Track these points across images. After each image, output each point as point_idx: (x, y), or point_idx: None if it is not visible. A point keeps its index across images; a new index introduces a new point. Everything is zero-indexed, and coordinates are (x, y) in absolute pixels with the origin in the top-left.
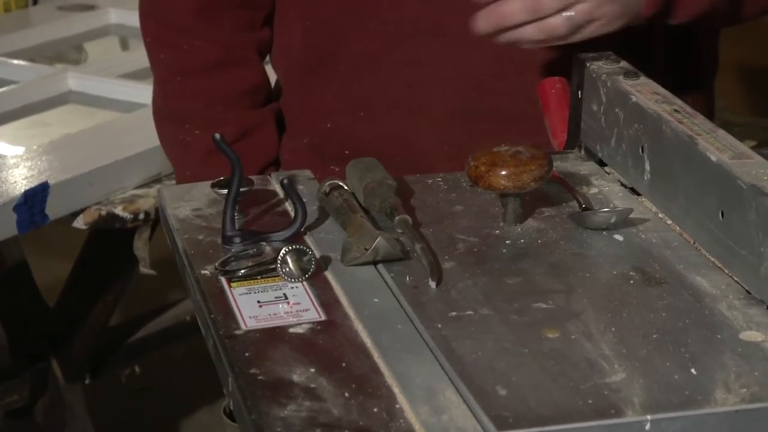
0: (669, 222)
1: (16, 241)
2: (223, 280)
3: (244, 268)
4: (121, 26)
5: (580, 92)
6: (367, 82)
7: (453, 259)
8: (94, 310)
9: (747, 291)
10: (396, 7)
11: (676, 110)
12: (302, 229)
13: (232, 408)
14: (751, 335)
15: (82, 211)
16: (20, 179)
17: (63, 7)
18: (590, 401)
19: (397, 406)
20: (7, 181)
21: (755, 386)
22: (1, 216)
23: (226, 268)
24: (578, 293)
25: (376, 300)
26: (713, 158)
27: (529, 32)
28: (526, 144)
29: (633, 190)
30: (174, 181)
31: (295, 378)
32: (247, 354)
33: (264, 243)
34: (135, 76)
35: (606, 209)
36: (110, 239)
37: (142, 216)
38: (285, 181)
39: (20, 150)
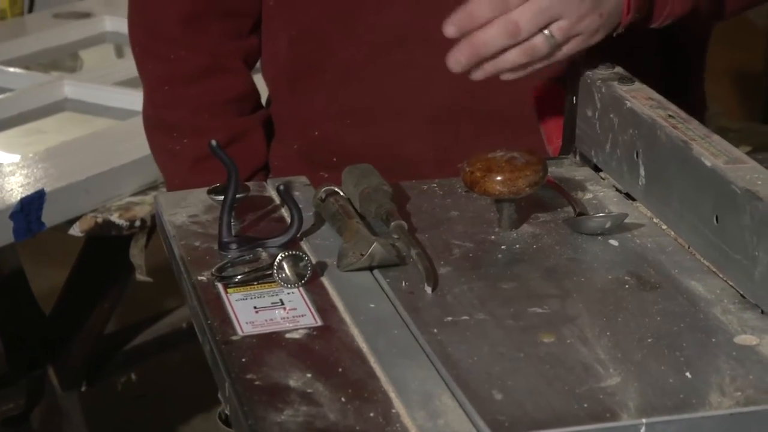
0: (664, 227)
1: (12, 248)
2: (220, 286)
3: (240, 274)
4: (117, 34)
5: (574, 98)
6: (352, 89)
7: (449, 264)
8: (91, 317)
9: (741, 295)
10: (379, 14)
11: (670, 115)
12: (298, 235)
13: (227, 413)
14: (745, 339)
15: (78, 218)
16: (16, 187)
17: (58, 15)
18: (586, 405)
19: (394, 410)
20: (3, 188)
21: (750, 389)
22: None
23: (223, 274)
24: (573, 298)
25: (372, 305)
26: (708, 163)
27: (512, 56)
28: (521, 150)
29: (628, 196)
30: None
31: (292, 383)
32: (243, 359)
33: (260, 249)
34: (130, 83)
35: (601, 214)
36: (106, 246)
37: (138, 223)
38: (281, 187)
39: (16, 158)
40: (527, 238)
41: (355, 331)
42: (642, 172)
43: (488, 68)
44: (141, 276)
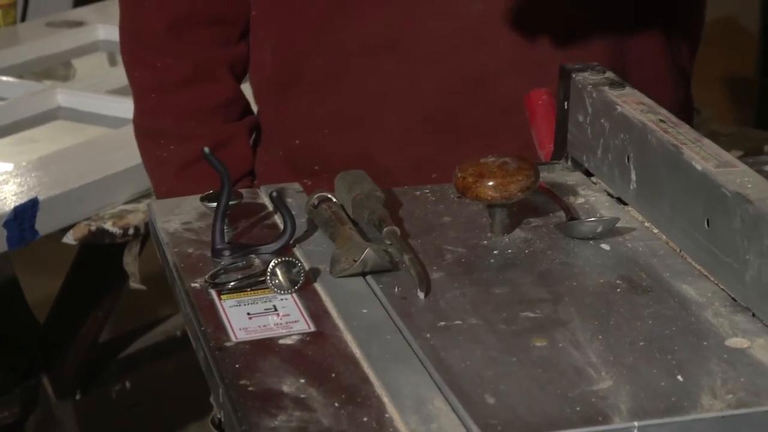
0: (655, 231)
1: (6, 257)
2: (213, 292)
3: (233, 281)
4: (109, 42)
5: (566, 103)
6: (329, 99)
7: (441, 269)
8: (85, 325)
9: (733, 298)
10: (353, 25)
11: (661, 120)
12: (291, 242)
13: (220, 418)
14: (736, 342)
15: (71, 226)
16: (10, 195)
17: (51, 24)
18: (578, 408)
19: (387, 415)
20: None
21: (741, 392)
22: None
23: (216, 280)
24: (565, 302)
25: (365, 311)
26: (698, 167)
27: None
28: (513, 155)
29: (619, 200)
30: None
31: (285, 389)
32: (237, 365)
33: (253, 255)
34: (123, 91)
35: (593, 219)
36: (100, 254)
37: (131, 231)
38: (274, 194)
39: (9, 166)
40: (519, 243)
41: (348, 337)
42: (633, 176)
43: None
44: (135, 284)
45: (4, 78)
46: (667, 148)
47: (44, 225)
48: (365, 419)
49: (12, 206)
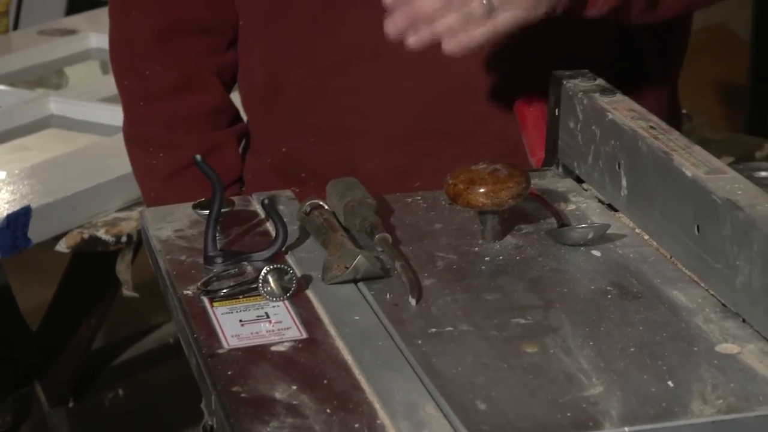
0: (646, 237)
1: None
2: (206, 299)
3: (225, 288)
4: (102, 50)
5: (557, 110)
6: (313, 108)
7: (433, 276)
8: (77, 333)
9: (723, 304)
10: (338, 35)
11: (651, 126)
12: (283, 249)
13: (212, 425)
14: (727, 347)
15: (64, 234)
16: (2, 203)
17: (44, 32)
18: (569, 414)
19: (378, 421)
20: None
21: (731, 397)
22: None
23: (208, 288)
24: (556, 308)
25: (356, 317)
26: (688, 174)
27: (447, 20)
28: (504, 162)
29: (610, 207)
30: None
31: (278, 395)
32: (229, 372)
33: (245, 263)
34: (116, 99)
35: (583, 225)
36: (93, 262)
37: (124, 239)
38: (266, 201)
39: (2, 174)
40: (510, 250)
41: (340, 344)
42: (624, 183)
43: (424, 33)
44: (127, 291)
45: None
46: (658, 155)
47: (37, 233)
48: (357, 425)
49: (5, 214)
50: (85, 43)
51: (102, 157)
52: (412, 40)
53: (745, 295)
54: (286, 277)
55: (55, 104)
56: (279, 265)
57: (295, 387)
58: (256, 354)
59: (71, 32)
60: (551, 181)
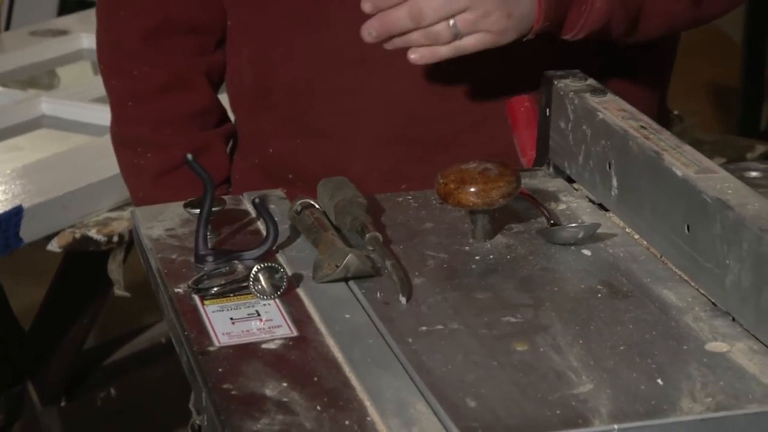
0: (636, 236)
1: None
2: (197, 298)
3: (216, 286)
4: (93, 51)
5: (548, 110)
6: (300, 110)
7: (423, 275)
8: (69, 333)
9: (712, 303)
10: (326, 38)
11: (642, 126)
12: (274, 248)
13: (199, 424)
14: (716, 346)
15: (56, 234)
16: None
17: (35, 33)
18: (558, 412)
19: (369, 418)
20: None
21: (720, 395)
22: None
23: (199, 286)
24: (546, 307)
25: (347, 316)
26: (679, 173)
27: (415, 37)
28: (495, 161)
29: (601, 206)
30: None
31: (268, 392)
32: (220, 370)
33: (236, 261)
34: (107, 100)
35: (574, 225)
36: (84, 262)
37: (116, 238)
38: (257, 200)
39: None
40: (501, 249)
41: (330, 341)
42: (614, 182)
43: (397, 42)
44: (119, 291)
45: None
46: (648, 155)
47: (29, 232)
48: (347, 422)
49: None
50: (76, 44)
51: (93, 157)
52: (387, 46)
53: (734, 294)
54: (277, 276)
55: (47, 104)
56: (270, 264)
57: (285, 384)
58: (247, 352)
59: (63, 33)
60: (542, 180)
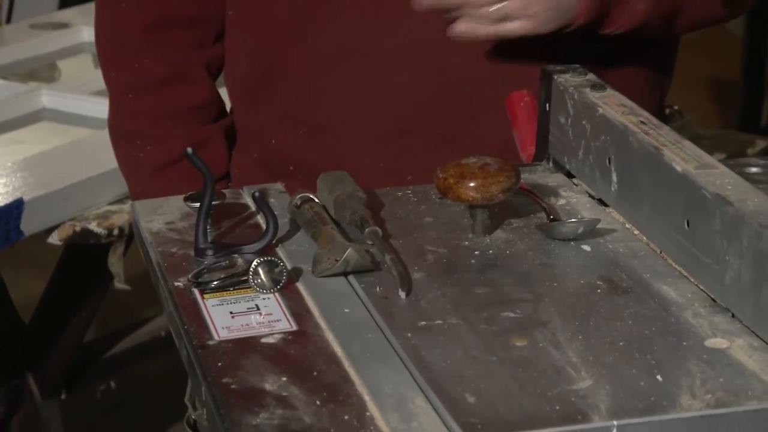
0: (636, 232)
1: None
2: (196, 291)
3: (216, 280)
4: (94, 44)
5: (547, 105)
6: (304, 101)
7: (422, 269)
8: (69, 325)
9: (712, 299)
10: (329, 30)
11: (642, 122)
12: (274, 242)
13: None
14: (716, 342)
15: (56, 227)
16: None
17: (36, 26)
18: (557, 407)
19: (368, 413)
20: None
21: (720, 392)
22: None
23: (199, 280)
24: (546, 302)
25: (346, 310)
26: (678, 169)
27: (461, 13)
28: (494, 156)
29: (600, 201)
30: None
31: (267, 387)
32: (220, 364)
33: (236, 255)
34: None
35: (573, 220)
36: (85, 255)
37: (116, 231)
38: (256, 194)
39: None
40: (500, 244)
41: (329, 336)
42: (614, 178)
43: (444, 16)
44: (119, 284)
45: None
46: (648, 150)
47: (29, 225)
48: (346, 417)
49: None
50: (77, 37)
51: (94, 150)
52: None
53: (734, 290)
54: (277, 270)
55: (48, 97)
56: (269, 258)
57: (284, 379)
58: (247, 346)
59: (64, 26)
60: (542, 175)
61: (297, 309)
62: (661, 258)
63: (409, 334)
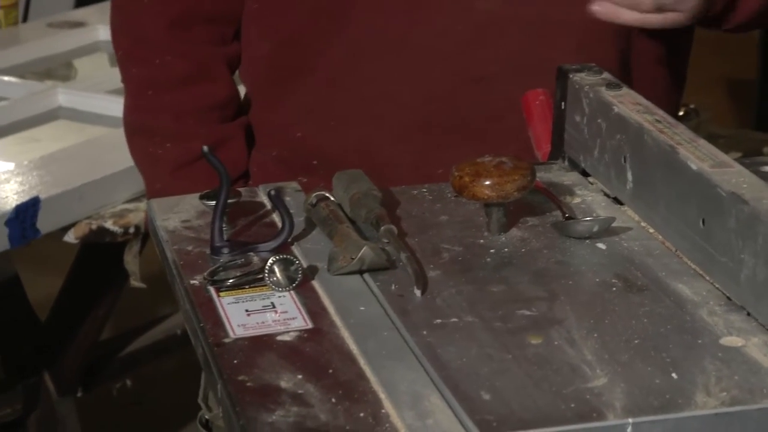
0: (651, 230)
1: (7, 255)
2: (212, 289)
3: (232, 278)
4: (110, 43)
5: (563, 103)
6: (336, 93)
7: (438, 267)
8: (86, 323)
9: (727, 297)
10: (365, 22)
11: (657, 120)
12: (289, 240)
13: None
14: (731, 340)
15: (72, 225)
16: (11, 194)
17: (52, 24)
18: (572, 405)
19: (383, 411)
20: None
21: (735, 390)
22: None
23: (215, 278)
24: (561, 300)
25: (362, 308)
26: (694, 167)
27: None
28: (509, 155)
29: (616, 200)
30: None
31: (283, 384)
32: (235, 361)
33: (252, 253)
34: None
35: (589, 218)
36: (101, 253)
37: (132, 230)
38: (272, 192)
39: (11, 165)
40: (516, 242)
41: (345, 334)
42: (629, 176)
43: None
44: (135, 282)
45: (6, 78)
46: (663, 149)
47: (45, 223)
48: (362, 415)
49: (13, 205)
50: (93, 36)
51: (110, 149)
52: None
53: (749, 289)
54: (292, 268)
55: (64, 96)
56: (285, 256)
57: (300, 376)
58: (262, 343)
59: (80, 25)
60: (557, 174)
61: (312, 307)
62: (676, 256)
63: (425, 332)
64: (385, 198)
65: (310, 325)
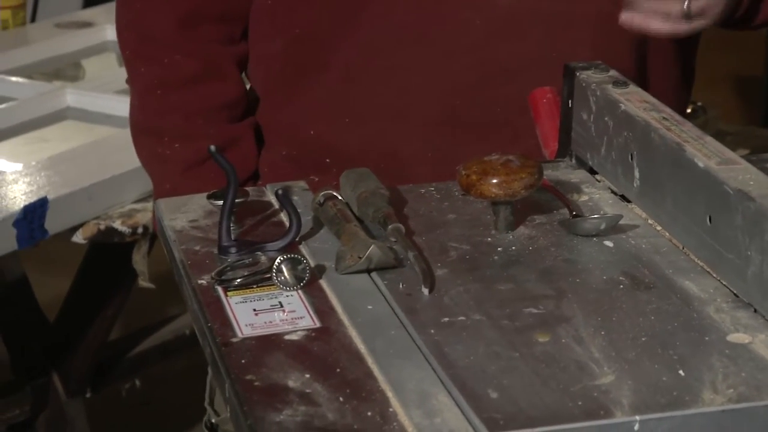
0: (658, 228)
1: (15, 256)
2: (220, 289)
3: (240, 278)
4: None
5: (570, 101)
6: (352, 89)
7: (445, 266)
8: (94, 324)
9: (735, 294)
10: (383, 16)
11: (664, 118)
12: (297, 239)
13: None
14: (738, 337)
15: (81, 225)
16: (19, 194)
17: (60, 25)
18: (580, 403)
19: (391, 409)
20: (6, 196)
21: (742, 386)
22: (1, 231)
23: (223, 277)
24: (569, 298)
25: (369, 307)
26: (700, 164)
27: (648, 4)
28: (517, 153)
29: (623, 197)
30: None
31: (291, 383)
32: (243, 361)
33: (259, 253)
34: None
35: (596, 216)
36: (109, 253)
37: (140, 230)
38: (280, 191)
39: (19, 166)
40: (523, 240)
41: (353, 333)
42: (636, 174)
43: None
44: (144, 282)
45: (14, 78)
46: (670, 146)
47: (54, 224)
48: (369, 413)
49: (22, 205)
50: (101, 36)
51: (118, 149)
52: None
53: (756, 286)
54: (300, 267)
55: (72, 96)
56: (293, 255)
57: (308, 375)
58: (270, 343)
59: (88, 25)
60: (564, 172)
61: (320, 306)
62: (683, 253)
63: (432, 331)
64: (392, 197)
65: (317, 325)
